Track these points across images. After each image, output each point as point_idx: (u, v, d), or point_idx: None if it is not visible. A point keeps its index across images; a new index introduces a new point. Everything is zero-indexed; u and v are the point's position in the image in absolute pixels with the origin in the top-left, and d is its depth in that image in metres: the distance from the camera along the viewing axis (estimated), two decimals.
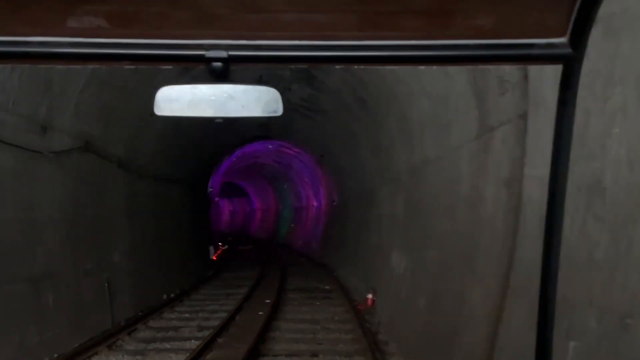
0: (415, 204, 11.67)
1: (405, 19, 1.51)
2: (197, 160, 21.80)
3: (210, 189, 27.17)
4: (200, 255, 22.84)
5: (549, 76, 5.24)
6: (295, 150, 29.95)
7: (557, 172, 1.66)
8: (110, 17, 1.50)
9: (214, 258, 25.86)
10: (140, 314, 13.05)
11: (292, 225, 40.06)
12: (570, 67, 1.59)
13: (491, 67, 6.66)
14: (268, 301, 14.90)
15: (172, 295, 16.02)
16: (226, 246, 37.63)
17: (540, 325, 1.73)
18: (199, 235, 23.38)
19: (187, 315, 13.54)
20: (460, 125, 8.82)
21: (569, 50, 1.55)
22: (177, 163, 18.49)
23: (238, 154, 30.07)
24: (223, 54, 1.53)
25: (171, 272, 17.18)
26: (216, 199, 33.55)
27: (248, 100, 1.64)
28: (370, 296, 13.83)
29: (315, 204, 33.19)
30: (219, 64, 1.53)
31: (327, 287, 18.39)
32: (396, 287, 12.07)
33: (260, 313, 13.20)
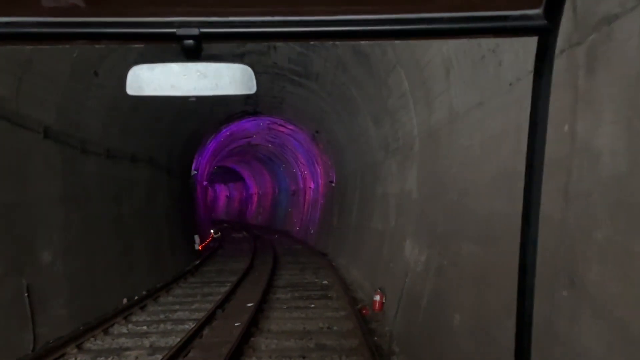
0: (436, 178, 8.47)
1: None
2: (174, 138, 18.57)
3: (195, 172, 23.96)
4: (181, 247, 19.70)
5: None
6: (289, 127, 26.70)
7: (533, 146, 1.61)
8: None
9: (200, 248, 22.73)
10: (81, 328, 9.92)
11: (289, 209, 36.93)
12: (546, 39, 1.57)
13: None
14: (251, 304, 11.76)
15: (136, 297, 12.89)
16: (219, 234, 34.60)
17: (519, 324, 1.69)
18: (180, 223, 20.22)
19: (143, 328, 10.38)
20: (512, 54, 5.59)
21: (543, 22, 1.52)
22: (144, 139, 15.27)
23: (225, 133, 26.81)
24: (194, 31, 1.50)
25: (136, 270, 14.03)
26: (205, 182, 30.30)
27: (221, 78, 1.59)
28: (377, 298, 10.67)
29: (312, 185, 30.01)
30: (190, 41, 1.50)
31: (325, 282, 15.24)
32: (413, 288, 8.92)
33: (236, 324, 10.04)
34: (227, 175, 52.61)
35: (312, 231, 27.89)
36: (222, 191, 58.77)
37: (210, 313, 10.94)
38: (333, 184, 23.86)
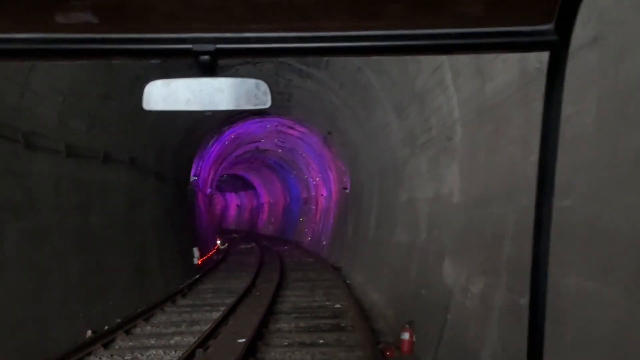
0: (496, 173, 5.77)
1: (392, 9, 1.47)
2: (165, 137, 16.01)
3: (195, 178, 21.38)
4: (175, 262, 17.08)
5: None
6: (299, 129, 24.09)
7: (545, 161, 1.61)
8: (94, 12, 1.44)
9: (199, 263, 20.11)
10: None
11: (301, 219, 34.27)
12: (557, 54, 1.54)
13: None
14: (242, 340, 9.11)
15: (105, 328, 10.28)
16: (225, 245, 32.04)
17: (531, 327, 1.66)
18: (174, 236, 17.62)
19: None
20: None
21: (555, 37, 1.51)
22: (122, 137, 12.71)
23: (229, 135, 24.25)
24: (210, 47, 1.51)
25: (110, 293, 11.42)
26: (209, 190, 27.73)
27: (237, 93, 1.55)
28: (406, 336, 7.93)
29: (324, 193, 27.34)
30: (206, 57, 1.50)
31: (338, 307, 12.52)
32: (462, 329, 6.20)
33: None
34: (237, 183, 50.13)
35: (324, 242, 25.19)
36: (233, 200, 56.24)
37: (190, 353, 8.27)
38: (347, 191, 21.18)
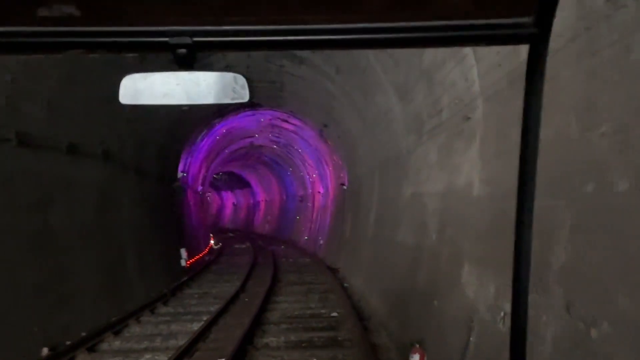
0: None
1: (373, 2, 1.45)
2: (146, 129, 14.56)
3: (183, 174, 19.91)
4: (158, 265, 15.62)
5: None
6: (293, 122, 22.64)
7: (525, 160, 1.58)
8: (70, 5, 1.42)
9: (188, 265, 18.65)
10: None
11: (297, 217, 32.84)
12: (537, 47, 1.52)
13: None
14: None
15: (68, 343, 8.83)
16: (219, 245, 30.62)
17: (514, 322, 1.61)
18: (158, 236, 16.16)
19: None
20: None
21: (535, 30, 1.48)
22: (92, 126, 11.26)
23: (220, 130, 22.80)
24: (187, 40, 1.48)
25: (75, 303, 9.97)
26: (199, 187, 26.26)
27: (215, 87, 1.56)
28: (416, 358, 6.51)
29: (321, 190, 25.91)
30: (183, 50, 1.49)
31: (335, 315, 11.08)
32: (491, 356, 4.77)
33: None
34: (233, 181, 48.67)
35: (321, 242, 23.76)
36: (229, 198, 54.75)
37: None
38: (345, 187, 19.74)
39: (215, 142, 24.49)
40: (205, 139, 22.01)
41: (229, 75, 1.57)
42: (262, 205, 44.19)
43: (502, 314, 4.58)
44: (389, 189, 12.01)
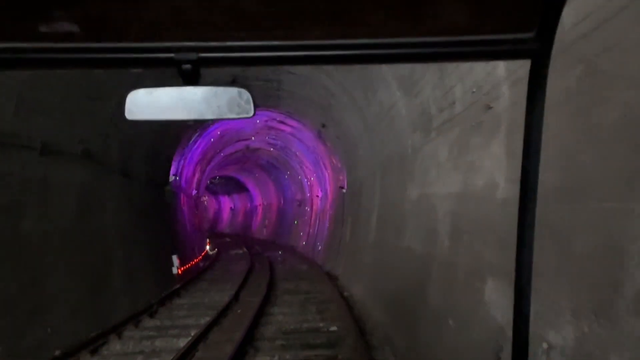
0: (583, 154, 3.43)
1: (375, 18, 1.45)
2: (134, 129, 13.62)
3: (174, 177, 18.95)
4: (147, 273, 14.66)
5: None
6: (290, 124, 21.72)
7: (527, 170, 1.61)
8: (77, 22, 1.44)
9: (180, 272, 17.68)
10: None
11: (295, 222, 31.89)
12: (539, 63, 1.53)
13: None
14: None
15: None
16: (215, 250, 29.69)
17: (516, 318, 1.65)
18: (147, 243, 15.20)
19: None
20: None
21: (536, 45, 1.50)
22: (70, 123, 10.31)
23: (214, 132, 21.86)
24: (193, 55, 1.51)
25: (50, 318, 9.00)
26: (194, 191, 25.29)
27: (220, 102, 1.57)
28: None
29: (319, 193, 24.98)
30: (188, 66, 1.51)
31: (334, 329, 10.13)
32: None
33: None
34: (230, 185, 47.72)
35: (319, 247, 22.81)
36: (226, 203, 53.76)
37: None
38: (344, 190, 18.81)
39: (210, 145, 23.55)
40: (199, 141, 21.07)
41: (234, 90, 1.57)
42: (260, 209, 43.24)
43: (544, 345, 3.63)
44: (392, 191, 11.08)
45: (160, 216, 17.04)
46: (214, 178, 43.90)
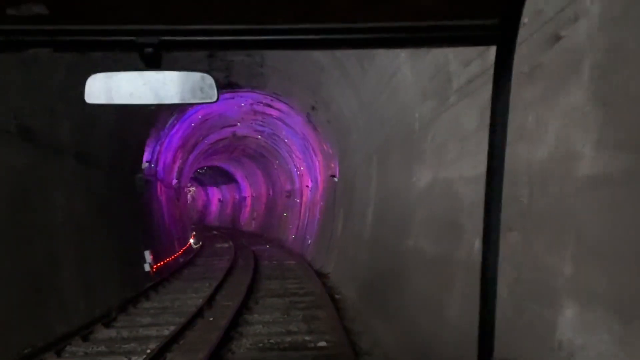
0: None
1: (340, 2, 1.42)
2: (92, 108, 11.57)
3: (147, 164, 16.88)
4: (113, 272, 12.62)
5: None
6: (277, 107, 19.70)
7: (493, 155, 1.56)
8: (39, 4, 1.39)
9: (153, 270, 15.65)
10: None
11: (284, 214, 29.94)
12: (503, 49, 1.52)
13: None
14: None
15: None
16: (199, 244, 27.71)
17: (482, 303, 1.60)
18: (113, 237, 13.16)
19: None
20: None
21: (500, 32, 1.49)
22: (5, 98, 8.28)
23: (195, 117, 19.81)
24: (154, 39, 1.47)
25: None
26: (174, 181, 23.22)
27: (182, 87, 1.54)
28: None
29: (309, 183, 23.01)
30: (149, 49, 1.47)
31: (323, 345, 8.16)
32: None
33: None
34: (218, 176, 45.63)
35: (309, 242, 20.85)
36: (215, 194, 51.67)
37: None
38: (336, 179, 16.84)
39: (192, 130, 21.49)
40: (177, 126, 19.00)
41: (197, 75, 1.53)
42: (249, 201, 41.23)
43: None
44: (393, 179, 9.12)
45: (130, 208, 14.98)
46: (202, 168, 41.86)
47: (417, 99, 7.47)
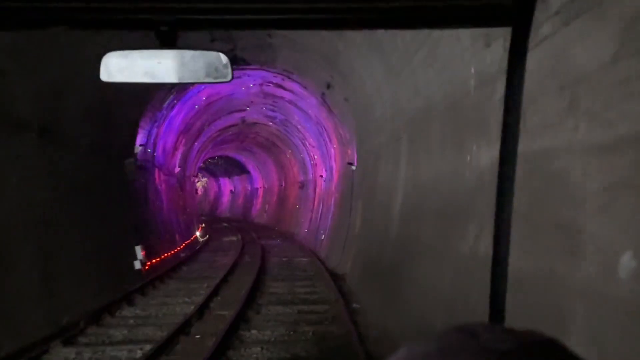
0: None
1: None
2: (65, 73, 9.46)
3: (143, 149, 14.75)
4: (90, 272, 10.52)
5: None
6: (289, 87, 17.49)
7: (507, 141, 1.50)
8: None
9: (146, 267, 13.56)
10: None
11: (297, 206, 27.79)
12: (518, 30, 1.44)
13: None
14: None
15: None
16: (206, 237, 25.71)
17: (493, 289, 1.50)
18: (93, 231, 11.06)
19: None
20: None
21: (516, 13, 1.41)
22: None
23: (199, 98, 17.66)
24: (170, 17, 1.42)
25: None
26: (177, 168, 21.10)
27: (197, 66, 1.51)
28: None
29: (323, 173, 20.81)
30: (165, 28, 1.43)
31: None
32: None
33: None
34: (230, 166, 43.61)
35: (322, 237, 18.65)
36: (227, 185, 49.63)
37: None
38: (353, 167, 14.60)
39: (195, 113, 19.34)
40: (179, 106, 16.85)
41: (212, 54, 1.52)
42: (260, 192, 39.14)
43: None
44: (433, 159, 6.89)
45: (117, 197, 12.85)
46: (212, 158, 39.86)
47: (474, 46, 5.22)
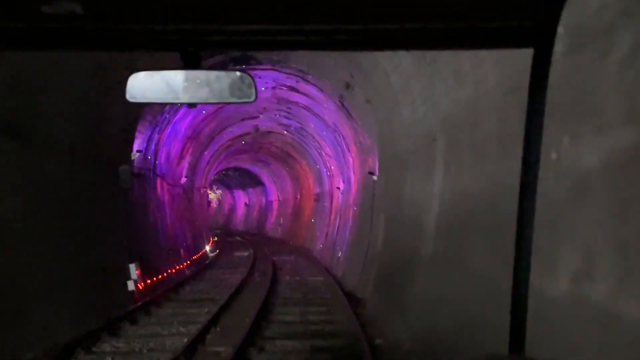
0: None
1: (375, 4, 1.36)
2: (40, 67, 7.97)
3: (140, 155, 13.26)
4: (72, 296, 8.97)
5: None
6: (305, 90, 15.97)
7: (528, 162, 1.51)
8: (83, 4, 1.35)
9: (140, 288, 11.99)
10: None
11: (312, 220, 26.18)
12: (541, 52, 1.46)
13: None
14: None
15: None
16: (216, 251, 24.18)
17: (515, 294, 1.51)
18: (79, 249, 9.52)
19: None
20: None
21: (539, 35, 1.43)
22: None
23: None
24: (195, 39, 1.46)
25: None
26: (184, 179, 19.58)
27: (221, 86, 1.51)
28: None
29: (341, 185, 19.18)
30: (190, 49, 1.46)
31: None
32: None
33: None
34: (244, 179, 42.18)
35: (339, 254, 16.97)
36: (241, 198, 48.16)
37: None
38: (374, 177, 12.96)
39: (204, 118, 17.87)
40: (181, 112, 15.35)
41: (235, 75, 1.51)
42: (275, 205, 37.58)
43: None
44: (485, 162, 5.24)
45: (108, 208, 11.31)
46: (227, 170, 38.47)
47: None
